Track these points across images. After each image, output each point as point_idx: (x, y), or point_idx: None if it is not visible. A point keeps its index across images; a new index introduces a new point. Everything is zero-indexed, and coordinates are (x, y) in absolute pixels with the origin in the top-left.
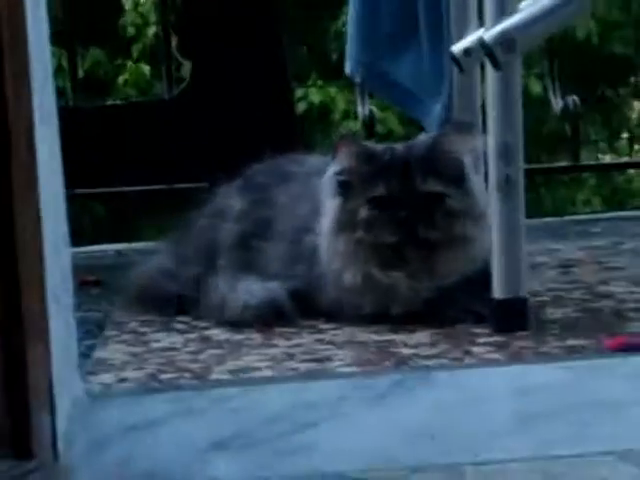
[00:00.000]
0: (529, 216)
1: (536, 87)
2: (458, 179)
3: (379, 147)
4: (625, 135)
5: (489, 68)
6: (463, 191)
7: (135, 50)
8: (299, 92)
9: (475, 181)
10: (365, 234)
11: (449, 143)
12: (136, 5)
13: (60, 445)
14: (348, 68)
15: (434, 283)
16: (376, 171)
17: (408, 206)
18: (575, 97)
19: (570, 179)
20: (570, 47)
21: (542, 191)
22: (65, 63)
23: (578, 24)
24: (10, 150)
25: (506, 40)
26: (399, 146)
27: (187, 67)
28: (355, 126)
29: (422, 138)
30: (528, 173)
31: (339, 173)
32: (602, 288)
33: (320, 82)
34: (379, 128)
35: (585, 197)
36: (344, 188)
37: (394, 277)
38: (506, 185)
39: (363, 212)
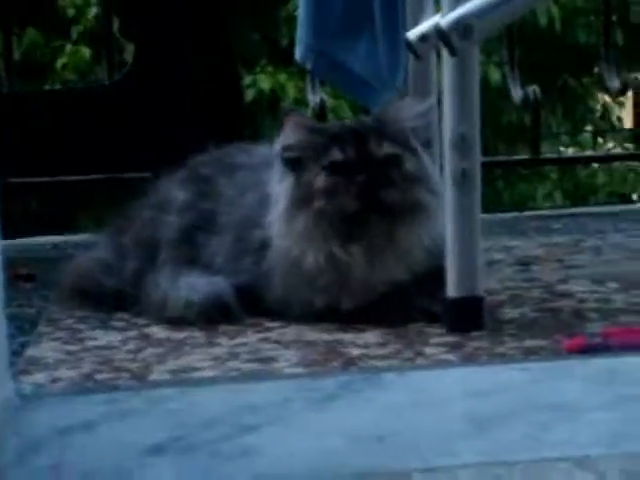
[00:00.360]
0: (486, 211)
1: (495, 75)
2: (409, 145)
3: (326, 123)
4: (589, 128)
5: (445, 55)
6: (416, 157)
7: (75, 32)
8: (248, 79)
9: (426, 156)
10: (324, 203)
11: (400, 111)
12: None
13: None
14: (298, 54)
15: (393, 262)
16: (328, 140)
17: (366, 170)
18: (536, 87)
19: (531, 173)
20: (532, 34)
21: (500, 185)
22: None
23: (540, 10)
24: None
25: (463, 26)
26: (348, 120)
27: (129, 50)
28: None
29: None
30: (486, 166)
31: (287, 149)
32: (561, 287)
33: (270, 68)
34: (331, 117)
35: (546, 191)
36: (294, 164)
37: (354, 253)
38: (462, 178)
39: (320, 180)
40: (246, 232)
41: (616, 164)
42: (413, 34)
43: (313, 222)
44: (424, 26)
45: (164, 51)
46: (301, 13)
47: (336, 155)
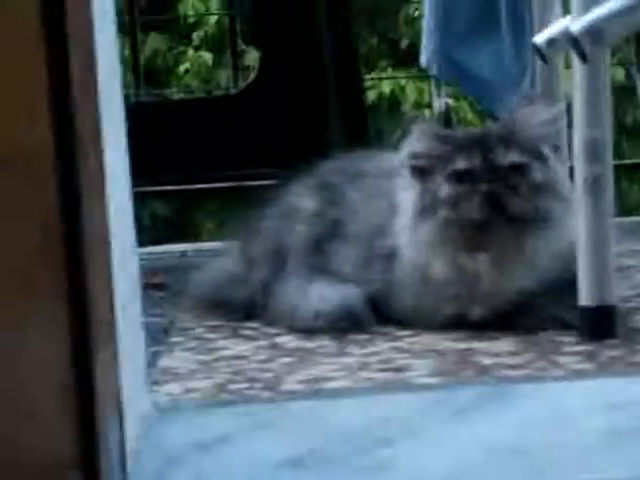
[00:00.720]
0: (614, 214)
1: (618, 74)
2: (538, 152)
3: (451, 130)
4: None
5: (575, 61)
6: (544, 165)
7: (196, 38)
8: (369, 82)
9: (554, 161)
10: (449, 212)
11: (528, 115)
12: None
13: (129, 464)
14: (424, 59)
15: (521, 271)
16: (453, 149)
17: (491, 179)
18: None
19: None
20: None
21: (624, 185)
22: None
23: None
24: (76, 156)
25: (594, 31)
26: (474, 129)
27: (251, 55)
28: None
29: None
30: (615, 169)
31: (413, 157)
32: None
33: (390, 71)
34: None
35: None
36: (420, 172)
37: (480, 261)
38: (593, 184)
39: (444, 189)
40: (374, 241)
41: None
42: (541, 38)
43: (438, 231)
44: (552, 30)
45: (289, 57)
46: (426, 18)
47: (460, 164)
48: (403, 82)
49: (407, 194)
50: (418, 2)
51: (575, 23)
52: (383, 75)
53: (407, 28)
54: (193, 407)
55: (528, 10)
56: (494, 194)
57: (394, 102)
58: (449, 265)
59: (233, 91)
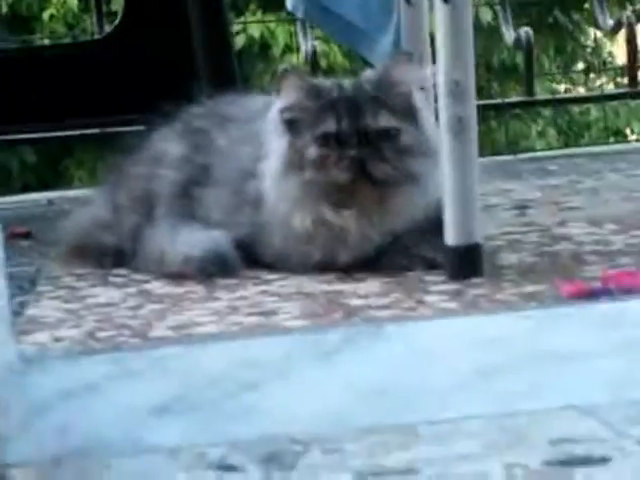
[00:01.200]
0: (480, 153)
1: (486, 15)
2: (409, 113)
3: (326, 82)
4: (580, 64)
5: (438, 1)
6: (414, 126)
7: None
8: (237, 26)
9: (426, 115)
10: (315, 174)
11: (397, 75)
12: None
13: None
14: (290, 2)
15: (386, 223)
16: (324, 107)
17: (359, 143)
18: (528, 29)
19: (524, 111)
20: None
21: (493, 124)
22: None
23: None
24: None
25: None
26: (347, 81)
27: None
28: (297, 61)
29: (370, 72)
30: (480, 109)
31: (285, 110)
32: (559, 230)
33: (259, 14)
34: (322, 62)
35: (540, 129)
36: (291, 126)
37: (345, 217)
38: (458, 125)
39: (312, 151)
40: (242, 185)
41: None
42: None
43: (303, 189)
44: None
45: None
46: None
47: (330, 126)
48: (273, 26)
49: (276, 143)
50: None
51: None
52: (252, 19)
53: None
54: (60, 356)
55: None
56: (361, 159)
57: (264, 45)
58: (314, 220)
59: (98, 37)
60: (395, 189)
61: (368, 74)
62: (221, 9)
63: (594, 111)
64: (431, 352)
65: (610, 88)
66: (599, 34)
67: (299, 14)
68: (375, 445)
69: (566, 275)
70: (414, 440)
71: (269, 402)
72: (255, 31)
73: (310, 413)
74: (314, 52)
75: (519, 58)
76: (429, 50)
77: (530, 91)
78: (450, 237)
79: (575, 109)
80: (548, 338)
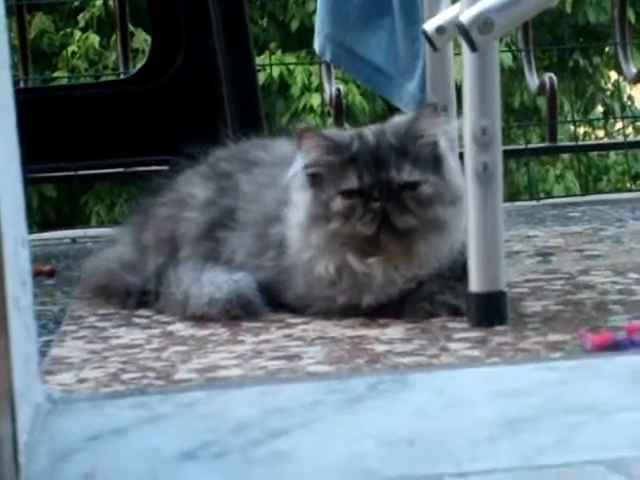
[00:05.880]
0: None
1: (507, 59)
2: (433, 164)
3: (346, 135)
4: (599, 107)
5: (465, 49)
6: (438, 176)
7: (82, 20)
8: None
9: (451, 164)
10: (340, 225)
11: (422, 126)
12: None
13: (21, 458)
14: (317, 45)
15: (411, 270)
16: (347, 162)
17: (382, 196)
18: (552, 75)
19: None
20: (542, 15)
21: (512, 165)
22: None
23: None
24: None
25: (483, 21)
26: (369, 131)
27: (140, 37)
28: (315, 100)
29: (394, 122)
30: (504, 155)
31: (307, 166)
32: (583, 278)
33: (278, 54)
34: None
35: (559, 172)
36: (314, 180)
37: (370, 264)
38: (483, 172)
39: (336, 205)
40: (266, 229)
41: None
42: (431, 26)
43: (328, 239)
44: (442, 17)
45: (182, 40)
46: (320, 4)
47: (353, 182)
48: (292, 65)
49: (300, 196)
50: None
51: (465, 12)
52: (273, 59)
53: (297, 10)
54: (86, 398)
55: None
56: (385, 211)
57: (283, 84)
58: (338, 266)
59: (123, 75)
60: (419, 238)
61: (392, 124)
62: (249, 53)
63: (613, 154)
64: (457, 401)
65: (629, 132)
66: (618, 77)
67: (326, 57)
68: None
69: (590, 325)
70: None
71: (296, 450)
72: (274, 70)
73: (337, 462)
74: (338, 94)
75: (540, 100)
76: (454, 96)
77: (553, 137)
78: (474, 284)
79: (594, 152)
80: (574, 390)
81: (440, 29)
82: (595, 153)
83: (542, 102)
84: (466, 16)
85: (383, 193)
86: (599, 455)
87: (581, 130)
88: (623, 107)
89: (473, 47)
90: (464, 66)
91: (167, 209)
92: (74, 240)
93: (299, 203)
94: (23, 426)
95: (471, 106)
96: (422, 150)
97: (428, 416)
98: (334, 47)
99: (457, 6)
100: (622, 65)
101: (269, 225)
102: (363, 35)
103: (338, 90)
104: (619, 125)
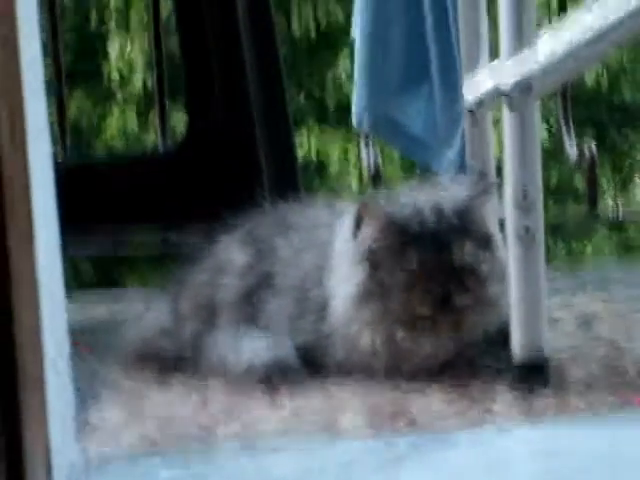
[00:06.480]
0: None
1: (543, 134)
2: (486, 241)
3: (405, 212)
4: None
5: (506, 112)
6: (491, 252)
7: (120, 99)
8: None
9: (498, 239)
10: (396, 305)
11: (477, 207)
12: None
13: None
14: (355, 117)
15: (456, 343)
16: (407, 242)
17: (443, 279)
18: (592, 144)
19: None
20: (579, 94)
21: (550, 243)
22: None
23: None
24: (5, 207)
25: (523, 85)
26: (427, 209)
27: (176, 117)
28: (353, 176)
29: (450, 198)
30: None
31: (365, 241)
32: (625, 345)
33: (316, 129)
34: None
35: (596, 245)
36: (371, 256)
37: (419, 340)
38: (526, 236)
39: (395, 285)
40: (305, 293)
41: None
42: (471, 99)
43: (382, 316)
44: (481, 86)
45: (219, 117)
46: (358, 76)
47: (412, 265)
48: (328, 144)
49: (352, 270)
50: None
51: (504, 79)
52: (311, 135)
53: (335, 89)
54: (123, 457)
55: (458, 64)
56: (446, 293)
57: (320, 163)
58: (384, 341)
59: (161, 151)
60: (473, 316)
61: (448, 200)
62: (286, 116)
63: None
64: (498, 461)
65: None
66: None
67: (365, 127)
68: None
69: (635, 389)
70: None
71: None
72: (312, 147)
73: None
74: (377, 167)
75: (577, 179)
76: (493, 167)
77: (593, 207)
78: (517, 349)
79: (630, 226)
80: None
81: (480, 102)
82: (632, 226)
83: (579, 179)
84: (506, 82)
85: (444, 275)
86: None
87: (620, 204)
88: None
89: (512, 107)
90: (505, 129)
91: (204, 275)
92: (111, 314)
93: (350, 276)
94: None
95: (512, 169)
96: (478, 228)
97: (469, 476)
98: (372, 117)
99: (493, 72)
100: None
101: (308, 289)
102: (400, 104)
103: (376, 163)
104: None
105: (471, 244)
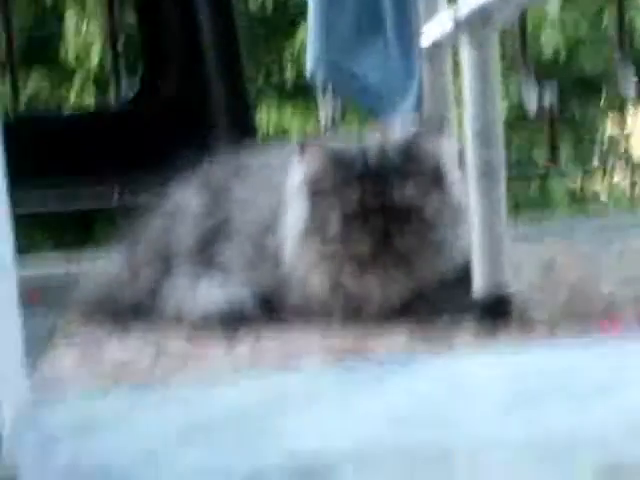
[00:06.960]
0: None
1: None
2: (436, 183)
3: (349, 149)
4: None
5: (465, 49)
6: (441, 195)
7: (77, 79)
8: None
9: (453, 181)
10: (336, 245)
11: (425, 144)
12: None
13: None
14: (309, 68)
15: (410, 286)
16: (348, 180)
17: (384, 218)
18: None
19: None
20: (537, 64)
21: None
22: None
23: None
24: None
25: (484, 15)
26: (372, 148)
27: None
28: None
29: (397, 139)
30: None
31: (307, 179)
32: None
33: (275, 104)
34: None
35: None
36: (314, 194)
37: (366, 284)
38: (486, 168)
39: (335, 225)
40: (262, 238)
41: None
42: (427, 41)
43: (323, 256)
44: (440, 32)
45: (171, 70)
46: (311, 27)
47: (354, 203)
48: (288, 116)
49: (297, 208)
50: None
51: (464, 11)
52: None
53: (292, 64)
54: (76, 396)
55: (413, 12)
56: (386, 233)
57: (279, 136)
58: (332, 285)
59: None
60: (420, 257)
61: (395, 141)
62: (239, 57)
63: None
64: (462, 384)
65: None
66: (615, 132)
67: (319, 77)
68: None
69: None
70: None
71: (298, 426)
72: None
73: (340, 435)
74: (335, 123)
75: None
76: (452, 111)
77: (555, 160)
78: (480, 287)
79: None
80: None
81: (437, 43)
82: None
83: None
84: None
85: (385, 215)
86: None
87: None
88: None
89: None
90: (464, 64)
91: (160, 221)
92: (67, 274)
93: (295, 214)
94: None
95: (471, 103)
96: (425, 169)
97: (433, 398)
98: (326, 67)
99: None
100: (620, 84)
101: (264, 234)
102: (356, 54)
103: (333, 118)
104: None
105: (415, 186)
